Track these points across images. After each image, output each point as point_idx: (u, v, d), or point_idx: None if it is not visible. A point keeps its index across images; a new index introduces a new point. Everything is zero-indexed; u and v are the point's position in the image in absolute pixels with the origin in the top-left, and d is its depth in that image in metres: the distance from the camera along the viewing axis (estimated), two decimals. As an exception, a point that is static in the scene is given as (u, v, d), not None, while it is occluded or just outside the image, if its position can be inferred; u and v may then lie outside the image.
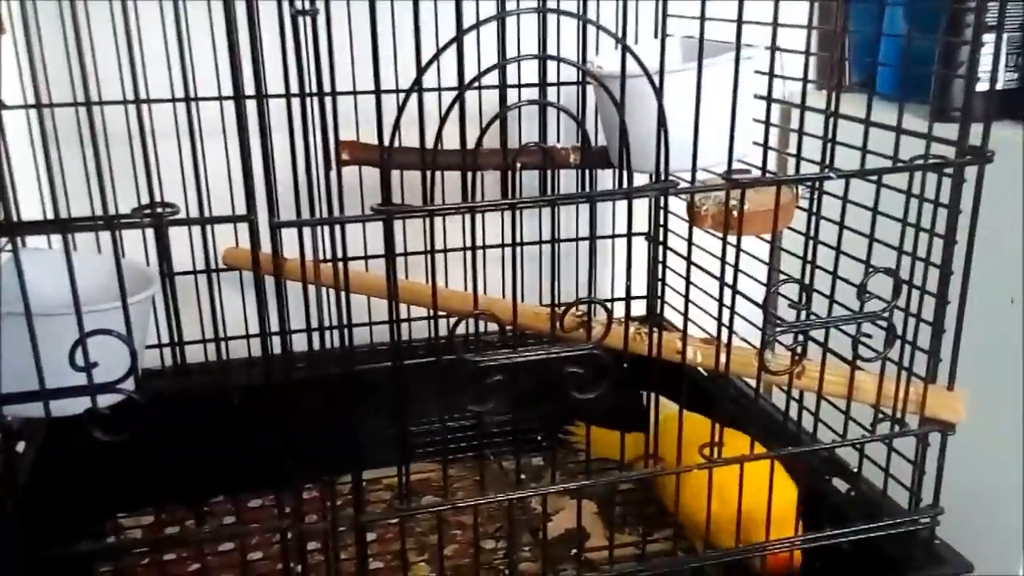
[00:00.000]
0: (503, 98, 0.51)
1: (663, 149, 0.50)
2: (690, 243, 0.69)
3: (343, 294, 0.48)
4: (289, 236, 0.46)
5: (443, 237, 0.72)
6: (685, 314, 0.60)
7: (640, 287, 0.93)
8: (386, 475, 0.80)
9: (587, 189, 0.59)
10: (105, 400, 0.45)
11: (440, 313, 0.56)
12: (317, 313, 0.49)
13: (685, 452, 0.56)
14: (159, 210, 0.43)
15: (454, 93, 0.48)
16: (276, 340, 0.48)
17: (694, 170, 0.52)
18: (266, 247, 0.45)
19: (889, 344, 0.54)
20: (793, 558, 0.59)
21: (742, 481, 0.55)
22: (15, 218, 0.45)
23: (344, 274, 0.47)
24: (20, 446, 0.71)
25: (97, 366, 0.44)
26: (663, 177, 0.50)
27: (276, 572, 0.69)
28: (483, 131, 0.50)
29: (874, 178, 0.57)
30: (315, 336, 0.49)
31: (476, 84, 0.47)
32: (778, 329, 0.52)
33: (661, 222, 0.88)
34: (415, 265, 0.85)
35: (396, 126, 0.50)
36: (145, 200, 0.43)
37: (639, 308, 0.93)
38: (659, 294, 0.92)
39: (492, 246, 0.85)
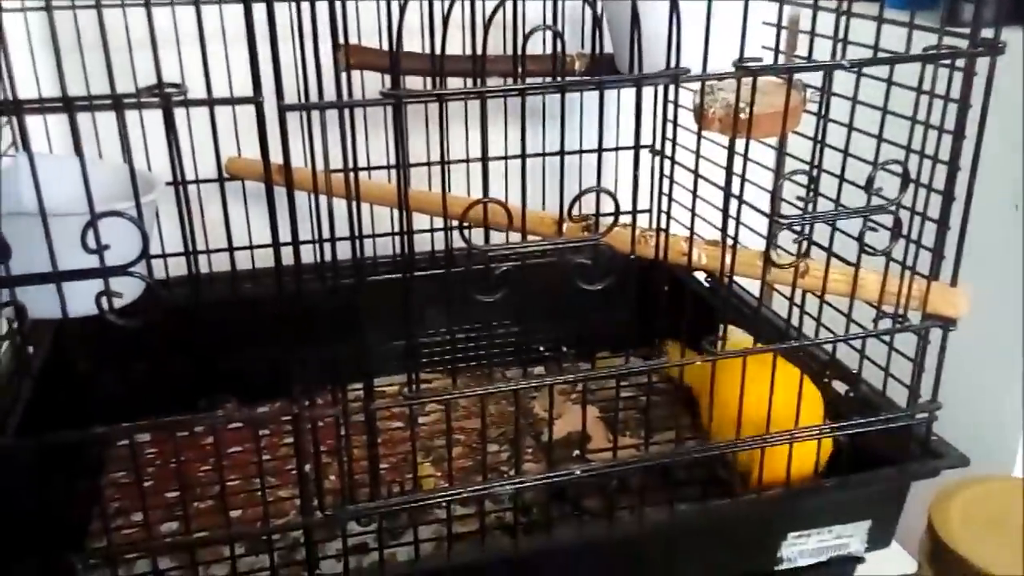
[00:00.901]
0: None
1: (674, 43, 0.50)
2: (698, 152, 0.69)
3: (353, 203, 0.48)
4: (295, 146, 0.45)
5: (447, 144, 0.72)
6: (692, 215, 0.61)
7: (646, 202, 0.92)
8: (390, 383, 0.81)
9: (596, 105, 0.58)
10: (117, 302, 0.45)
11: (440, 223, 0.55)
12: (329, 222, 0.49)
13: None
14: (166, 90, 0.42)
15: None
16: (286, 251, 0.48)
17: (705, 63, 0.52)
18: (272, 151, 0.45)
19: (894, 239, 0.55)
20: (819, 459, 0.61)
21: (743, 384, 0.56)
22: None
23: (356, 179, 0.47)
24: (30, 350, 0.72)
25: (109, 248, 0.44)
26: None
27: (287, 472, 0.71)
28: (489, 18, 0.49)
29: (884, 77, 0.57)
30: (325, 247, 0.49)
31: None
32: (784, 222, 0.53)
33: (668, 135, 0.88)
34: (417, 176, 0.85)
35: (400, 22, 0.49)
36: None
37: (645, 222, 0.93)
38: (664, 209, 0.92)
39: (497, 157, 0.85)
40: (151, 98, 0.42)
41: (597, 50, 0.59)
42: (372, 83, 0.79)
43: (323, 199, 0.50)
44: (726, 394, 0.57)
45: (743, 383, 0.56)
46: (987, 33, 0.53)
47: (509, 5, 0.49)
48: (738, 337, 0.65)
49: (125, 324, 0.45)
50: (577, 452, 0.72)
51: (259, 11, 0.43)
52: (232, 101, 0.44)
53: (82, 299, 0.45)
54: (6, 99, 0.41)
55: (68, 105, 0.42)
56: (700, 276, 0.84)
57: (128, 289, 0.46)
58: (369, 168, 0.83)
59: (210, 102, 0.44)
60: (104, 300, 0.45)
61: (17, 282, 0.44)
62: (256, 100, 0.43)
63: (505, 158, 0.87)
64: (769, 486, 0.59)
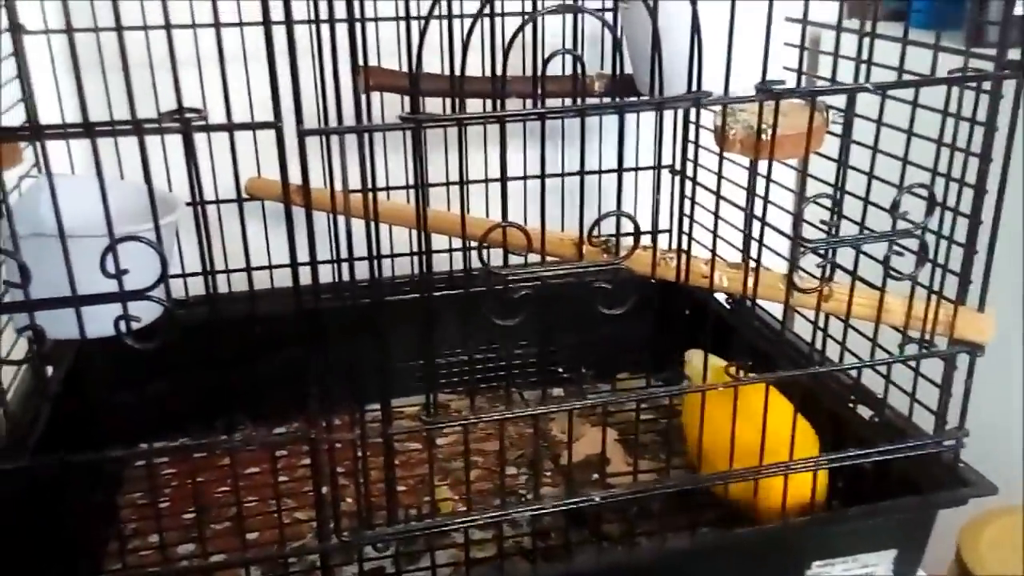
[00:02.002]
0: (534, 6, 0.50)
1: (696, 64, 0.50)
2: (720, 173, 0.68)
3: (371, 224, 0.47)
4: (314, 165, 0.46)
5: (466, 165, 0.72)
6: (714, 239, 0.60)
7: (666, 223, 0.92)
8: (408, 404, 0.80)
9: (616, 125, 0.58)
10: (136, 314, 0.45)
11: (459, 244, 0.55)
12: (347, 241, 0.49)
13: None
14: (186, 115, 0.42)
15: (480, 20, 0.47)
16: (304, 271, 0.48)
17: (727, 85, 0.51)
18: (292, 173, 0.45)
19: (920, 264, 0.54)
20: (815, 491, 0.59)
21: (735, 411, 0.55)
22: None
23: (373, 198, 0.47)
24: (49, 370, 0.72)
25: (128, 272, 0.44)
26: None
27: (303, 494, 0.71)
28: (509, 42, 0.49)
29: (908, 98, 0.56)
30: (343, 267, 0.49)
31: (500, 8, 0.46)
32: (808, 245, 0.52)
33: (689, 156, 0.87)
34: (436, 196, 0.85)
35: (420, 45, 0.49)
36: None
37: (665, 243, 0.93)
38: (685, 229, 0.92)
39: (516, 177, 0.85)
40: (171, 123, 0.42)
41: (617, 71, 0.59)
42: (391, 103, 0.79)
43: (342, 219, 0.50)
44: (715, 422, 0.56)
45: (766, 411, 0.55)
46: (1013, 54, 0.53)
47: (528, 26, 0.49)
48: (713, 362, 0.65)
49: (142, 348, 0.45)
50: (596, 476, 0.72)
51: (279, 32, 0.43)
52: (252, 126, 0.44)
53: (101, 321, 0.45)
54: (28, 124, 0.41)
55: (89, 131, 0.42)
56: (721, 297, 0.83)
57: (147, 311, 0.46)
58: (388, 188, 0.83)
59: (230, 127, 0.44)
60: (123, 323, 0.45)
61: (37, 306, 0.44)
62: (276, 125, 0.43)
63: (524, 178, 0.87)
64: (793, 513, 0.58)
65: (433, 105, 0.74)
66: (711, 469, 0.59)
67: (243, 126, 0.44)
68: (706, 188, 0.85)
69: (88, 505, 0.69)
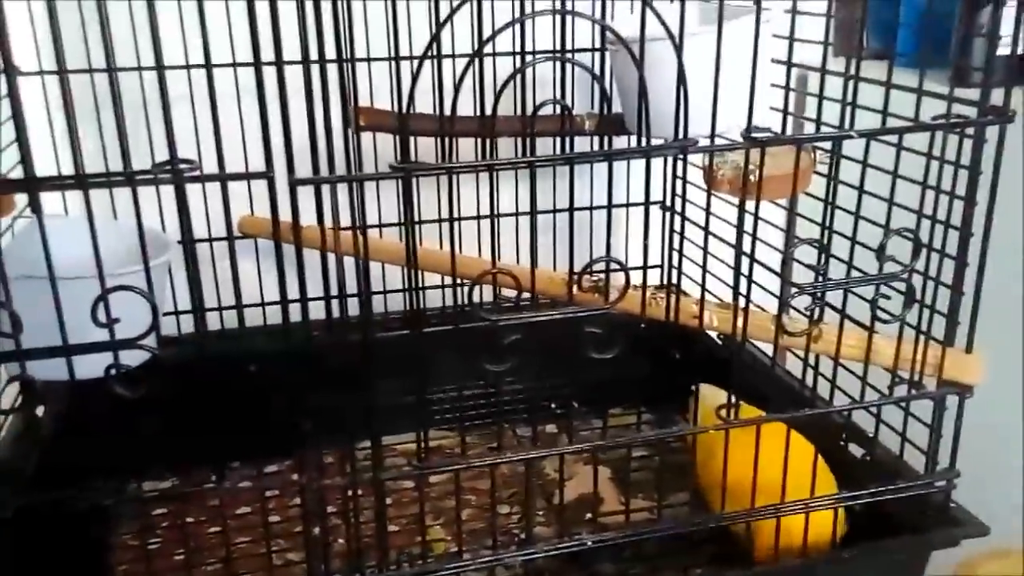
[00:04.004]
0: (522, 59, 0.51)
1: (682, 110, 0.50)
2: (708, 210, 0.69)
3: (361, 261, 0.48)
4: (306, 208, 0.46)
5: (458, 205, 0.72)
6: (703, 277, 0.60)
7: (656, 258, 0.92)
8: (402, 441, 0.80)
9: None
10: (126, 362, 0.45)
11: (457, 280, 0.56)
12: (337, 279, 0.49)
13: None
14: (179, 166, 0.43)
15: (471, 56, 0.48)
16: (294, 307, 0.48)
17: (713, 131, 0.52)
18: (283, 215, 0.45)
19: (907, 306, 0.54)
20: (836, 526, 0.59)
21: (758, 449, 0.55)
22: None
23: (364, 240, 0.47)
24: (40, 410, 0.72)
25: (119, 322, 0.44)
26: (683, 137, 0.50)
27: (294, 535, 0.70)
28: (501, 89, 0.50)
29: (893, 141, 0.57)
30: (334, 304, 0.50)
31: (491, 49, 0.47)
32: (795, 290, 0.52)
33: (678, 191, 0.88)
34: (428, 233, 0.86)
35: (412, 89, 0.50)
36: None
37: (655, 279, 0.93)
38: (675, 264, 0.92)
39: (507, 214, 0.85)
40: (164, 175, 0.43)
41: (605, 111, 0.60)
42: (385, 140, 0.80)
43: (334, 255, 0.50)
44: (717, 461, 0.56)
45: (757, 451, 0.55)
46: (997, 96, 0.53)
47: (518, 71, 0.50)
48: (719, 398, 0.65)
49: (131, 395, 0.45)
50: (589, 515, 0.71)
51: (270, 76, 0.43)
52: (244, 176, 0.45)
53: (91, 363, 0.46)
54: (24, 176, 0.42)
55: (82, 183, 0.43)
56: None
57: (138, 355, 0.46)
58: (380, 226, 0.83)
59: (222, 177, 0.44)
60: (112, 370, 0.45)
61: (29, 355, 0.44)
62: (267, 175, 0.44)
63: (516, 215, 0.88)
64: (785, 554, 0.58)
65: (425, 143, 0.74)
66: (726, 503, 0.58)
67: (235, 176, 0.44)
68: (696, 224, 0.86)
69: (80, 546, 0.68)
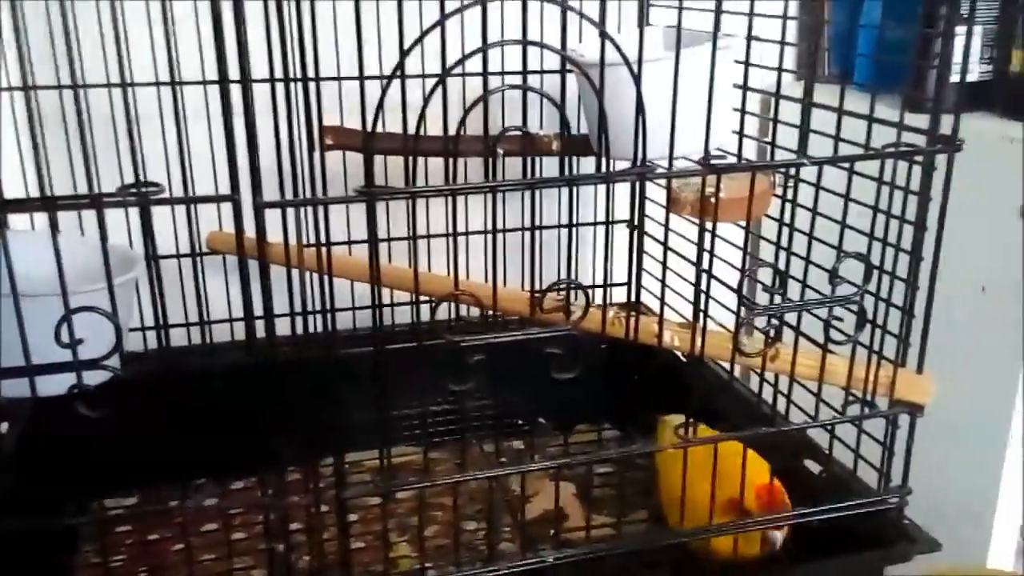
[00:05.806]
0: (485, 85, 0.52)
1: (641, 136, 0.52)
2: (667, 230, 0.70)
3: (326, 278, 0.49)
4: (273, 222, 0.47)
5: (426, 223, 0.73)
6: (662, 298, 0.62)
7: (621, 275, 0.94)
8: (367, 457, 0.81)
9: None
10: (90, 381, 0.46)
11: (422, 298, 0.57)
12: (301, 297, 0.50)
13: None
14: (144, 189, 0.43)
15: (437, 80, 0.48)
16: (259, 324, 0.49)
17: (671, 157, 0.53)
18: (250, 232, 0.46)
19: (860, 327, 0.56)
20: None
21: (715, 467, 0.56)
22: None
23: (328, 258, 0.48)
24: (3, 426, 0.71)
25: (83, 342, 0.44)
26: (641, 163, 0.51)
27: (259, 552, 0.70)
28: (465, 114, 0.51)
29: (847, 165, 0.59)
30: (298, 320, 0.50)
31: (459, 70, 0.48)
32: (752, 312, 0.54)
33: (640, 210, 0.90)
34: (398, 251, 0.86)
35: (379, 111, 0.51)
36: (129, 182, 0.44)
37: (620, 295, 0.94)
38: (641, 282, 0.94)
39: (474, 232, 0.86)
40: (130, 197, 0.43)
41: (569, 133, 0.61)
42: (353, 159, 0.80)
43: (299, 273, 0.51)
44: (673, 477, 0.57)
45: (715, 471, 0.56)
46: (947, 124, 0.55)
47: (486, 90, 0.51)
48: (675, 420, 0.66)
49: (94, 415, 0.46)
50: (553, 531, 0.72)
51: (236, 92, 0.43)
52: (210, 199, 0.45)
53: (55, 381, 0.46)
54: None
55: (49, 205, 0.43)
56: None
57: (101, 375, 0.46)
58: (349, 243, 0.84)
59: (187, 200, 0.45)
60: (75, 390, 0.45)
61: (-10, 376, 0.45)
62: (233, 199, 0.44)
63: (484, 232, 0.88)
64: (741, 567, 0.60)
65: (395, 160, 0.75)
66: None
67: (201, 199, 0.45)
68: (657, 240, 0.87)
69: (43, 564, 0.68)
